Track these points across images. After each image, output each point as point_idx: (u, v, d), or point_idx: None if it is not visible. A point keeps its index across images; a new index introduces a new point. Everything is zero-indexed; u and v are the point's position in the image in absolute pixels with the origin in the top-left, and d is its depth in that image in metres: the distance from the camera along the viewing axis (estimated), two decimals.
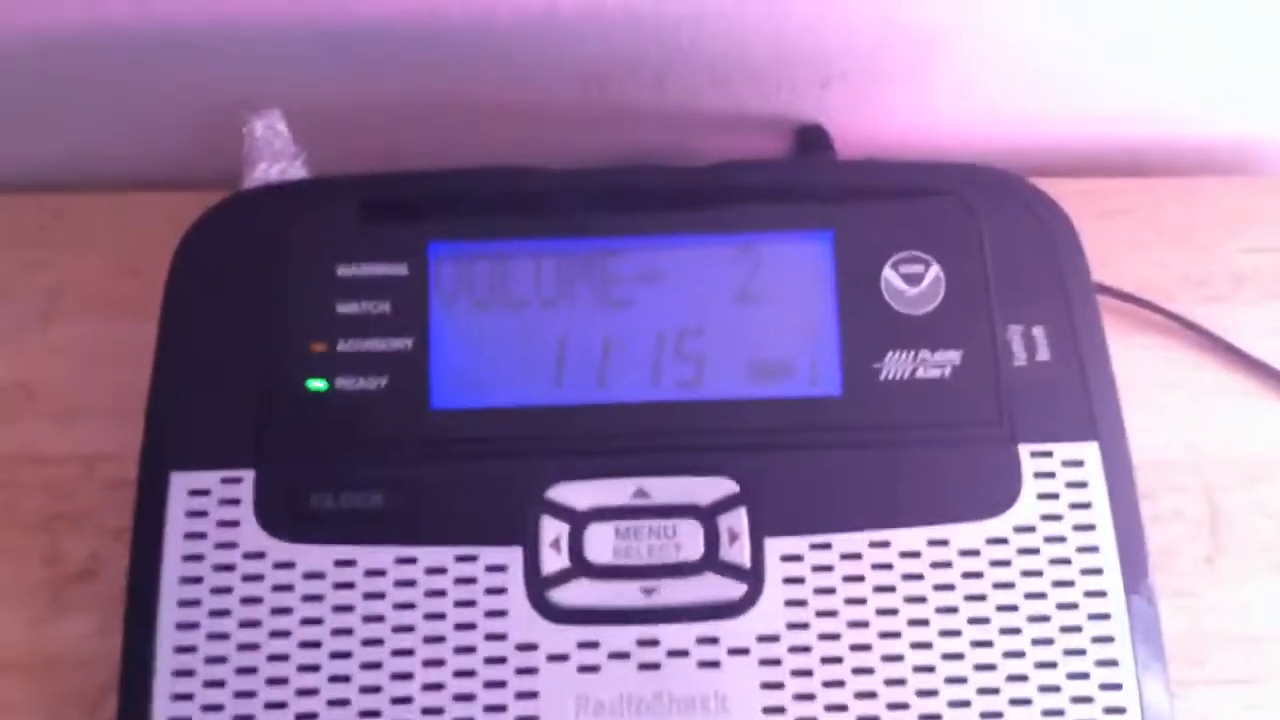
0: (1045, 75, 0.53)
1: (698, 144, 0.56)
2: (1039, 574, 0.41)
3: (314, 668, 0.39)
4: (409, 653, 0.40)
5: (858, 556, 0.41)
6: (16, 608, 0.47)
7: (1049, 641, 0.40)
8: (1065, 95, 0.54)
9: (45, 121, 0.54)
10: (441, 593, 0.40)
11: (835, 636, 0.40)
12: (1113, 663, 0.40)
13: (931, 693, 0.39)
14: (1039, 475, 0.42)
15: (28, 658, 0.46)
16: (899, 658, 0.40)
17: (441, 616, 0.40)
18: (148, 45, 0.49)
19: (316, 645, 0.40)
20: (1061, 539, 0.41)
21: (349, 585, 0.40)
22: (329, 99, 0.53)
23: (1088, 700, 0.39)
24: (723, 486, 0.41)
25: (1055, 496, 0.41)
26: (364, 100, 0.53)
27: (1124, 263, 0.53)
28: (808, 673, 0.39)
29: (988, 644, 0.40)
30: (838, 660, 0.40)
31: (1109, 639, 0.40)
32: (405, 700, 0.39)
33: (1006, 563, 0.41)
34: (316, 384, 0.42)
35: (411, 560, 0.40)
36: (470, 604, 0.40)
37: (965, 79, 0.53)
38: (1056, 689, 0.39)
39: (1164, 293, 0.53)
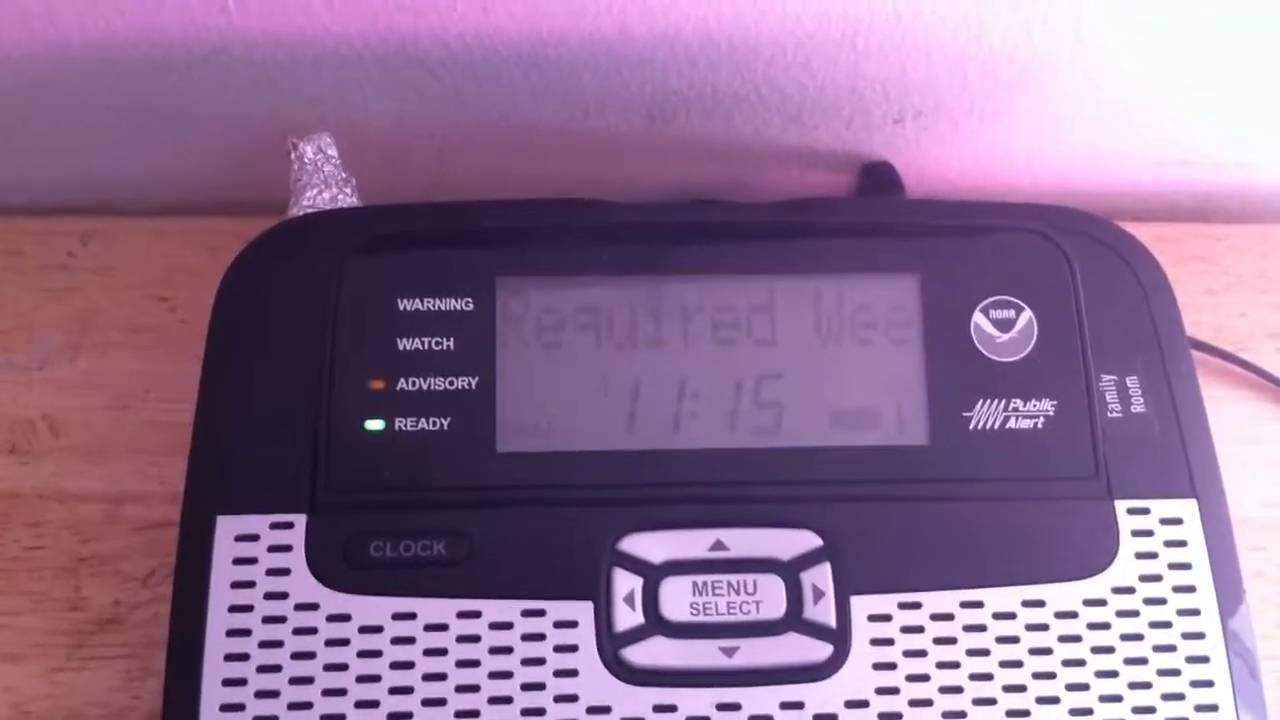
0: (1124, 115, 0.52)
1: (758, 178, 0.54)
2: (1139, 638, 0.39)
3: None
4: (474, 714, 0.37)
5: (949, 617, 0.39)
6: (36, 657, 0.44)
7: (1150, 710, 0.38)
8: (1142, 137, 0.53)
9: (75, 140, 0.52)
10: (508, 649, 0.38)
11: (927, 703, 0.38)
12: None
13: None
14: (1136, 533, 0.40)
15: (47, 712, 0.44)
16: None
17: (508, 675, 0.38)
18: (191, 63, 0.47)
19: (374, 705, 0.37)
20: (1161, 601, 0.39)
21: (409, 640, 0.38)
22: (377, 125, 0.51)
23: None
24: (805, 540, 0.40)
25: (1154, 556, 0.40)
26: (415, 127, 0.51)
27: (1200, 311, 0.52)
28: None
29: (1087, 712, 0.38)
30: None
31: (1213, 708, 0.38)
32: None
33: (1105, 626, 0.39)
34: (374, 424, 0.40)
35: (475, 614, 0.38)
36: (539, 662, 0.38)
37: (1045, 118, 0.51)
38: None
39: (1240, 343, 0.52)
